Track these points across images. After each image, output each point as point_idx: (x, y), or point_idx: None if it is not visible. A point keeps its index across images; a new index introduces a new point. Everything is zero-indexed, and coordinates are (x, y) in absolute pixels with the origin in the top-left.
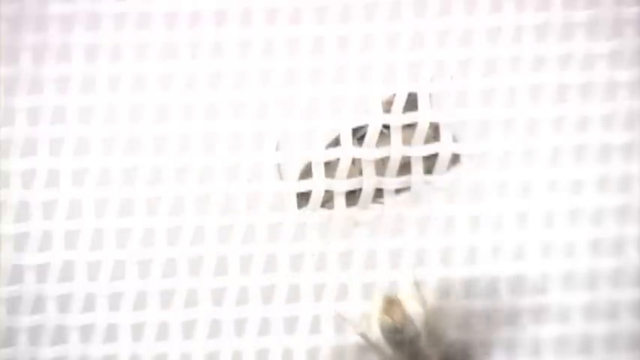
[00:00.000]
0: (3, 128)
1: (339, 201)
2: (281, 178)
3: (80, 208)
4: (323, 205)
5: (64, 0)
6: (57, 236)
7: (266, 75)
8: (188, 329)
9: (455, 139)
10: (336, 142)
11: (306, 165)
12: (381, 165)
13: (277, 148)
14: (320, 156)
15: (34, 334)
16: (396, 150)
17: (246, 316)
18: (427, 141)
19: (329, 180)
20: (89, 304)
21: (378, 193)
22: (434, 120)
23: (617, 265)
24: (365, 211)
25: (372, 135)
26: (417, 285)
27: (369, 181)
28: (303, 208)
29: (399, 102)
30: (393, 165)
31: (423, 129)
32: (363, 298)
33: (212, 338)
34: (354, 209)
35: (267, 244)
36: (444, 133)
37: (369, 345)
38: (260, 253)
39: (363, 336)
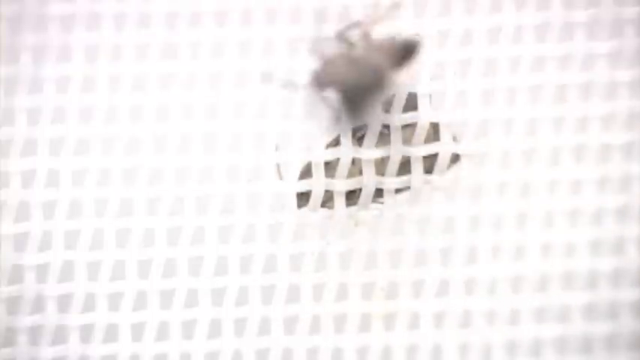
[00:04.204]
0: (3, 128)
1: (339, 201)
2: (281, 178)
3: (80, 208)
4: (323, 205)
5: (64, 0)
6: (57, 236)
7: (266, 75)
8: (188, 329)
9: (455, 139)
10: (336, 142)
11: (306, 165)
12: (381, 165)
13: (277, 148)
14: (320, 156)
15: (34, 334)
16: (396, 150)
17: (246, 316)
18: (427, 141)
19: (329, 180)
20: (89, 304)
21: (378, 193)
22: (434, 120)
23: (617, 265)
24: (365, 211)
25: (372, 135)
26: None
27: (369, 181)
28: (303, 208)
29: (399, 102)
30: (393, 165)
31: (423, 129)
32: (362, 298)
33: (212, 338)
34: (354, 209)
35: (267, 244)
36: (444, 133)
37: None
38: (260, 253)
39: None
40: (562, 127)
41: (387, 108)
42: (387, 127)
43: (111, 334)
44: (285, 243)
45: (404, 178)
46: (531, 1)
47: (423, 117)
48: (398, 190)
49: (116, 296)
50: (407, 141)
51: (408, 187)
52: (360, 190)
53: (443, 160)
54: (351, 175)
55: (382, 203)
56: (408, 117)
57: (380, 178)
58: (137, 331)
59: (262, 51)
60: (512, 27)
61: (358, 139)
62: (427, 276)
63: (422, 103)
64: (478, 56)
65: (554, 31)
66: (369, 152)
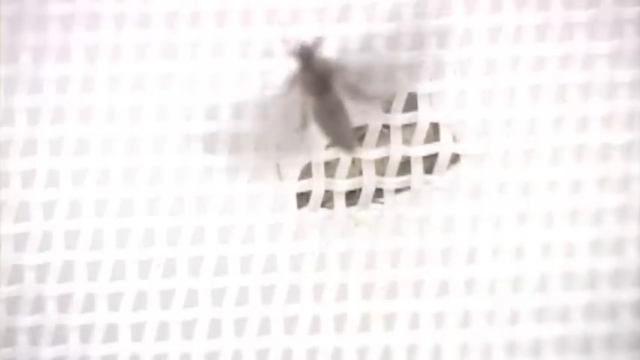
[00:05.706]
0: (3, 128)
1: (339, 201)
2: (281, 178)
3: (80, 208)
4: (323, 205)
5: (64, 0)
6: (57, 236)
7: (266, 75)
8: (188, 329)
9: (455, 139)
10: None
11: (306, 165)
12: (381, 165)
13: (277, 147)
14: (320, 156)
15: (34, 334)
16: (396, 150)
17: (246, 316)
18: (427, 141)
19: (329, 180)
20: (89, 304)
21: (378, 193)
22: (434, 120)
23: (617, 265)
24: (365, 211)
25: (372, 135)
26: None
27: (369, 181)
28: (303, 208)
29: (399, 102)
30: (393, 165)
31: (423, 129)
32: (363, 298)
33: (212, 338)
34: (354, 209)
35: (267, 244)
36: (444, 133)
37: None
38: (260, 253)
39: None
40: (562, 127)
41: (387, 108)
42: (387, 127)
43: (111, 334)
44: (285, 243)
45: (404, 178)
46: (531, 1)
47: (423, 117)
48: (398, 190)
49: (116, 296)
50: (407, 141)
51: (408, 187)
52: (360, 190)
53: (443, 160)
54: (351, 175)
55: (382, 203)
56: (408, 117)
57: (380, 178)
58: (137, 331)
59: (262, 51)
60: (512, 27)
61: (358, 139)
62: (427, 276)
63: (422, 103)
64: (478, 56)
65: (554, 31)
66: (369, 152)
